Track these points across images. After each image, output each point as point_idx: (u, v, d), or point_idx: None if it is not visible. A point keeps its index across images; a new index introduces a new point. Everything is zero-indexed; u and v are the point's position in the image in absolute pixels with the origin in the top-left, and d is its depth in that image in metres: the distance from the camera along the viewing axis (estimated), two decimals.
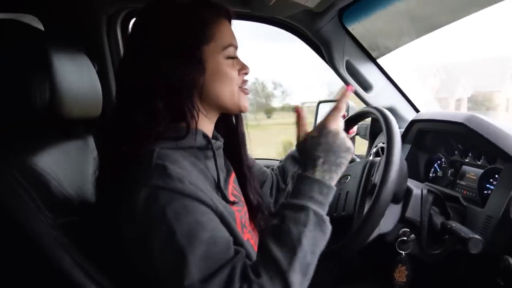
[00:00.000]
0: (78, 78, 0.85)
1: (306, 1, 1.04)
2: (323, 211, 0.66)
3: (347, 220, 0.93)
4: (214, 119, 0.80)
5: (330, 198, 0.68)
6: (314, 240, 0.62)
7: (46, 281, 0.64)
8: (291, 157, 1.12)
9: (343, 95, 0.77)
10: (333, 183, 0.69)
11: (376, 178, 0.89)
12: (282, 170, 1.12)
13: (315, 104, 1.68)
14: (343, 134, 0.72)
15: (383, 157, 0.85)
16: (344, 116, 0.87)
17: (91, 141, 1.01)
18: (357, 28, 1.39)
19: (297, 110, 0.81)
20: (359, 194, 0.97)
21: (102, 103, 1.00)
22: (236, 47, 0.77)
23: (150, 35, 0.71)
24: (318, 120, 1.83)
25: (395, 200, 0.90)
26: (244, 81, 0.78)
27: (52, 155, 0.79)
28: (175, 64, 0.68)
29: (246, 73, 0.79)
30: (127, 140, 0.66)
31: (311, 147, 0.71)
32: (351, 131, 1.12)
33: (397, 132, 0.86)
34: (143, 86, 0.69)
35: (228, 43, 0.74)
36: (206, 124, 0.77)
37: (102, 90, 1.00)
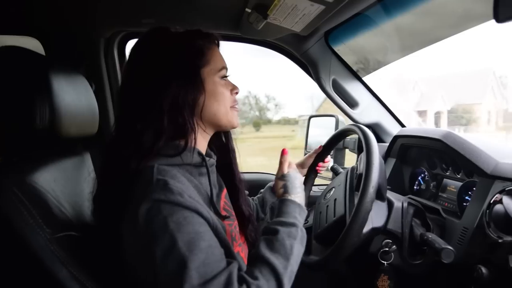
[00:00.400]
0: (76, 99, 0.91)
1: (292, 26, 1.11)
2: (303, 229, 0.78)
3: (340, 222, 0.97)
4: (209, 136, 0.86)
5: (304, 219, 0.82)
6: (298, 252, 0.74)
7: None
8: (269, 189, 1.18)
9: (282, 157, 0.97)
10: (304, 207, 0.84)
11: (361, 166, 0.95)
12: (261, 200, 1.17)
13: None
14: (298, 175, 0.91)
15: (364, 153, 0.92)
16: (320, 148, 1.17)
17: (87, 158, 1.06)
18: (343, 48, 1.46)
19: (283, 151, 0.99)
20: (347, 195, 1.03)
21: (98, 121, 1.05)
22: (227, 69, 0.85)
23: (151, 61, 0.78)
24: (310, 134, 1.89)
25: (379, 195, 0.96)
26: (235, 100, 0.87)
27: (50, 172, 0.84)
28: (179, 85, 0.76)
29: (237, 93, 0.87)
30: (133, 156, 0.72)
31: (294, 177, 0.89)
32: (326, 160, 1.21)
33: (371, 136, 0.96)
34: (149, 106, 0.75)
35: (221, 66, 0.83)
36: (201, 142, 0.84)
37: (99, 109, 1.05)
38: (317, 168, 1.18)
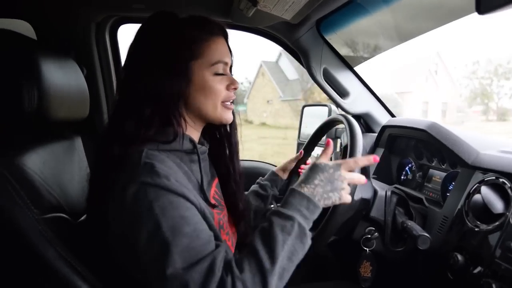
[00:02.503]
0: (65, 83, 0.92)
1: (282, 14, 1.11)
2: (307, 225, 0.71)
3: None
4: (200, 127, 0.86)
5: (315, 215, 0.73)
6: (293, 249, 0.67)
7: (31, 271, 0.69)
8: (253, 192, 1.14)
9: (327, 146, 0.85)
10: (320, 204, 0.74)
11: (345, 139, 0.98)
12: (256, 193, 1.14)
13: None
14: (345, 184, 0.77)
15: (347, 129, 0.97)
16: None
17: (78, 142, 1.07)
18: (335, 37, 1.46)
19: (328, 141, 0.90)
20: None
21: (89, 105, 1.06)
22: (226, 63, 0.82)
23: (144, 48, 0.78)
24: (303, 123, 1.91)
25: (364, 171, 0.97)
26: (230, 96, 0.83)
27: (39, 155, 0.85)
28: (164, 76, 0.75)
29: (235, 88, 0.84)
30: (116, 143, 0.72)
31: (320, 170, 0.77)
32: (307, 162, 1.20)
33: (352, 118, 1.00)
34: (134, 94, 0.76)
35: (216, 60, 0.79)
36: (193, 131, 0.84)
37: (90, 93, 1.06)
38: (299, 170, 1.18)
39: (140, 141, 0.72)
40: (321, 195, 0.74)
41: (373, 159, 0.83)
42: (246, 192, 1.14)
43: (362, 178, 0.81)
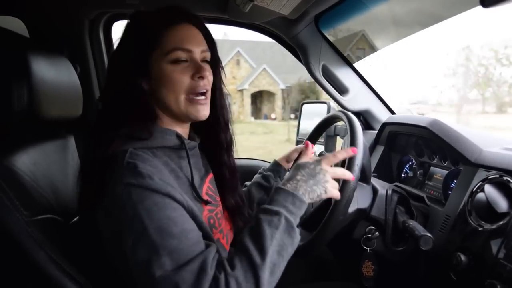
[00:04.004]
0: (57, 81, 0.89)
1: (280, 9, 1.09)
2: (294, 220, 0.71)
3: (327, 202, 0.97)
4: (183, 122, 0.82)
5: (302, 210, 0.74)
6: (282, 243, 0.67)
7: (21, 275, 0.68)
8: (256, 184, 1.12)
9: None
10: (305, 198, 0.74)
11: (345, 146, 0.96)
12: (248, 195, 1.11)
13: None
14: (328, 177, 0.77)
15: (348, 134, 0.94)
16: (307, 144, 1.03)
17: (71, 141, 1.05)
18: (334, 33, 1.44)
19: (306, 143, 0.95)
20: None
21: (83, 104, 1.04)
22: (188, 50, 0.76)
23: (117, 47, 0.79)
24: (302, 121, 1.89)
25: (364, 178, 0.96)
26: (196, 87, 0.76)
27: (30, 155, 0.83)
28: (125, 71, 0.75)
29: (201, 77, 0.76)
30: (100, 141, 0.71)
31: (301, 167, 0.77)
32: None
33: (354, 118, 0.97)
34: (110, 94, 0.77)
35: (171, 47, 0.74)
36: (177, 126, 0.81)
37: (84, 92, 1.03)
38: None
39: (120, 139, 0.71)
40: (305, 189, 0.74)
41: (352, 151, 0.84)
42: (248, 183, 1.14)
43: (346, 173, 0.82)
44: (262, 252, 0.64)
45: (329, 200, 0.97)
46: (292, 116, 19.37)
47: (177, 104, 0.76)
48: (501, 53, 20.05)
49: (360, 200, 0.96)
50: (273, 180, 1.11)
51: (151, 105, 0.77)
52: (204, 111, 0.79)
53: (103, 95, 0.80)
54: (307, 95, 20.19)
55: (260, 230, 0.67)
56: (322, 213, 0.94)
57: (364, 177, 0.96)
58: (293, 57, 1.53)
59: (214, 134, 0.90)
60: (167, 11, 0.78)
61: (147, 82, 0.75)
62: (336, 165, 0.96)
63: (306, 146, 1.02)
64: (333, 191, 0.78)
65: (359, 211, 0.96)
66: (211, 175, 0.91)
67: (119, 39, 0.79)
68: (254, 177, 1.14)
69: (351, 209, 0.91)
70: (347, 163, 0.87)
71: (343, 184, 0.84)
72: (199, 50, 0.78)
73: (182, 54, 0.75)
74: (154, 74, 0.75)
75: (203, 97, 0.78)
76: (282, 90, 23.74)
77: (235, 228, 0.94)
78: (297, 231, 0.71)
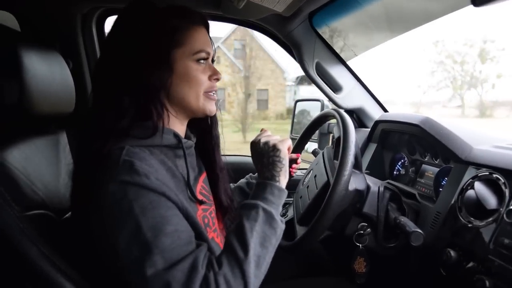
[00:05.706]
0: (49, 76, 0.88)
1: (274, 6, 1.09)
2: (274, 210, 0.73)
3: (324, 188, 1.00)
4: (185, 120, 0.83)
5: (282, 198, 0.77)
6: (264, 234, 0.70)
7: (13, 270, 0.66)
8: (238, 188, 1.14)
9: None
10: (282, 183, 0.79)
11: (338, 132, 0.98)
12: (239, 190, 1.13)
13: None
14: (262, 140, 0.84)
15: (339, 122, 0.97)
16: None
17: (63, 137, 1.04)
18: (328, 31, 1.44)
19: (297, 155, 1.03)
20: (327, 165, 1.07)
21: (75, 99, 1.03)
22: (208, 53, 0.80)
23: (124, 36, 0.75)
24: (296, 119, 1.90)
25: (357, 165, 0.98)
26: (213, 87, 0.82)
27: (22, 151, 0.82)
28: (144, 64, 0.73)
29: (217, 79, 0.82)
30: (96, 137, 0.70)
31: (255, 161, 0.85)
32: (298, 162, 1.16)
33: (344, 113, 1.00)
34: (112, 84, 0.73)
35: (198, 49, 0.78)
36: (177, 124, 0.81)
37: (76, 87, 1.02)
38: (291, 170, 1.14)
39: (118, 133, 0.70)
40: (266, 168, 0.80)
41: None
42: (232, 185, 1.14)
43: (283, 137, 0.86)
44: (244, 246, 0.66)
45: (327, 183, 0.99)
46: None
47: (197, 100, 0.80)
48: (480, 48, 17.40)
49: (357, 183, 0.99)
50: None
51: (162, 100, 0.76)
52: (214, 107, 0.84)
53: (99, 88, 0.77)
54: None
55: (240, 225, 0.69)
56: (319, 199, 0.96)
57: (357, 164, 0.98)
58: None
59: (209, 132, 0.92)
60: (185, 11, 0.80)
61: (168, 78, 0.75)
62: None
63: (297, 157, 1.11)
64: (283, 144, 0.82)
65: (357, 191, 0.98)
66: (204, 175, 0.91)
67: (123, 30, 0.76)
68: (239, 181, 1.16)
69: (351, 187, 0.94)
70: (341, 148, 0.90)
71: (340, 165, 0.88)
72: (212, 53, 0.83)
73: (205, 55, 0.80)
74: (177, 70, 0.76)
75: (215, 95, 0.84)
76: None
77: (226, 226, 0.95)
78: (279, 220, 0.73)
